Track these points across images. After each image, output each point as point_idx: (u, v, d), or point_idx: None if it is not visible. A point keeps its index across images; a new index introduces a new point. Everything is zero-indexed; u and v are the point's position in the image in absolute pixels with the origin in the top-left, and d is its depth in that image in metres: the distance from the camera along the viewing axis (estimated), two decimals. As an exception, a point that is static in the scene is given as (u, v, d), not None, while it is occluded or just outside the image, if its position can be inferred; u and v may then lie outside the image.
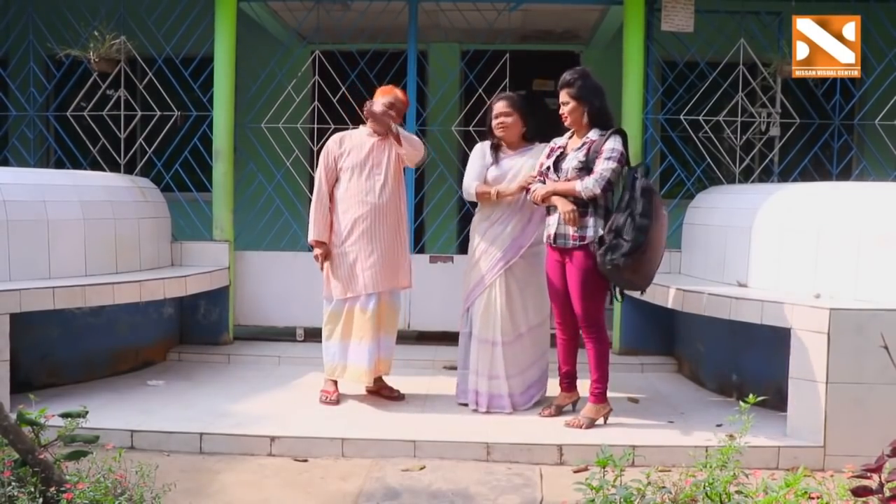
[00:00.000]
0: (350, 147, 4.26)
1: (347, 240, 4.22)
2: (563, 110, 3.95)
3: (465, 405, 4.23)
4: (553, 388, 4.24)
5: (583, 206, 3.84)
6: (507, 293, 4.14)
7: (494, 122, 4.18)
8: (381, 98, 4.25)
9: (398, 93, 4.31)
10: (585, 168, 3.82)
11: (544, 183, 3.98)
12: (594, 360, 3.93)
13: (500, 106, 4.18)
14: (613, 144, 3.81)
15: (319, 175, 4.30)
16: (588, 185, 3.78)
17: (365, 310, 4.22)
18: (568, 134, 4.06)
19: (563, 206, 3.85)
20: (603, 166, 3.78)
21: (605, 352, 3.96)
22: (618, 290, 3.98)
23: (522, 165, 4.15)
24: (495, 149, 4.22)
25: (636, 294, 4.16)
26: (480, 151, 4.26)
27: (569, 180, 3.86)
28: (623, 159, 3.82)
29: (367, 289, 4.20)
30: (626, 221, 3.70)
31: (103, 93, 5.69)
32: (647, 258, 3.75)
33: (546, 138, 4.22)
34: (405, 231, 4.38)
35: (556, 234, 3.93)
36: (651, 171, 5.89)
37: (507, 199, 4.14)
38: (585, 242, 3.83)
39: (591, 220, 3.84)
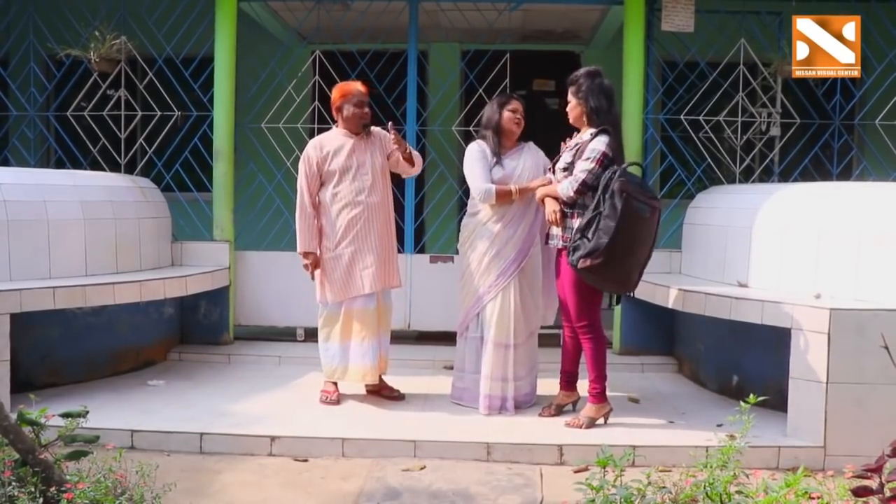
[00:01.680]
0: (331, 150, 4.23)
1: (342, 241, 4.21)
2: (567, 108, 3.99)
3: (460, 406, 4.21)
4: (553, 387, 4.24)
5: (570, 206, 3.86)
6: (521, 294, 4.13)
7: (511, 115, 4.14)
8: (347, 102, 4.22)
9: (357, 86, 4.28)
10: (570, 169, 3.85)
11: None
12: (591, 360, 3.93)
13: (517, 105, 4.18)
14: (595, 145, 3.79)
15: (301, 183, 4.24)
16: (563, 188, 3.81)
17: (367, 309, 4.22)
18: (580, 133, 4.06)
19: (548, 206, 3.90)
20: (579, 168, 3.78)
21: (602, 351, 3.95)
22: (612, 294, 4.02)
23: (525, 164, 4.15)
24: (496, 145, 4.16)
25: (629, 294, 4.15)
26: (481, 152, 4.17)
27: (558, 181, 3.90)
28: (603, 159, 3.75)
29: (367, 289, 4.20)
30: (590, 222, 3.67)
31: (104, 93, 5.69)
32: (616, 261, 3.64)
33: (538, 139, 4.24)
34: (394, 230, 4.38)
35: (548, 234, 3.99)
36: (651, 170, 5.89)
37: (523, 198, 4.11)
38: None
39: (576, 222, 3.83)
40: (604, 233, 3.60)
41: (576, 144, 3.92)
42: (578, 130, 4.02)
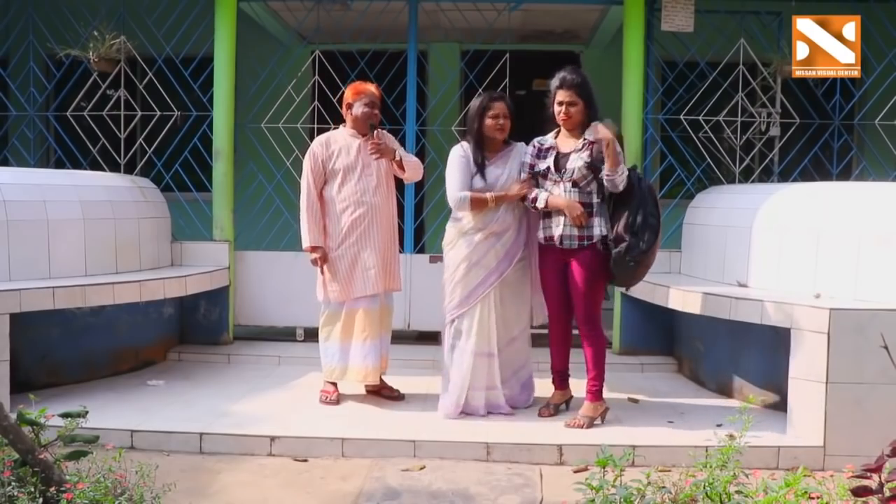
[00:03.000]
0: (337, 149, 4.23)
1: (346, 241, 4.21)
2: (571, 110, 3.90)
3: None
4: (548, 387, 4.24)
5: (588, 207, 3.88)
6: (502, 302, 4.07)
7: (493, 122, 3.99)
8: (359, 100, 4.22)
9: (371, 88, 4.28)
10: (592, 168, 3.85)
11: (538, 184, 3.99)
12: (592, 359, 3.94)
13: (501, 107, 4.01)
14: (618, 149, 3.84)
15: (307, 180, 4.22)
16: (621, 182, 3.79)
17: (370, 310, 4.22)
18: (553, 133, 4.05)
19: (572, 210, 3.85)
20: (618, 167, 3.78)
21: (603, 350, 3.98)
22: (607, 286, 4.10)
23: (510, 172, 4.03)
24: (478, 155, 4.03)
25: (628, 291, 4.21)
26: (464, 157, 4.04)
27: (575, 180, 3.86)
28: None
29: (370, 290, 4.20)
30: (644, 220, 3.80)
31: (103, 93, 5.69)
32: (654, 255, 3.89)
33: (521, 138, 4.17)
34: (396, 233, 4.37)
35: (562, 235, 3.92)
36: (651, 170, 5.89)
37: (503, 205, 4.00)
38: (593, 242, 3.87)
39: (596, 220, 3.88)
40: (653, 231, 3.80)
41: (584, 145, 3.90)
42: (559, 131, 4.03)
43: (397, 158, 4.19)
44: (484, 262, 4.02)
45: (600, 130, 3.77)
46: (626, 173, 3.80)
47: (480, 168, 4.03)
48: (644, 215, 3.80)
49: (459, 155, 4.06)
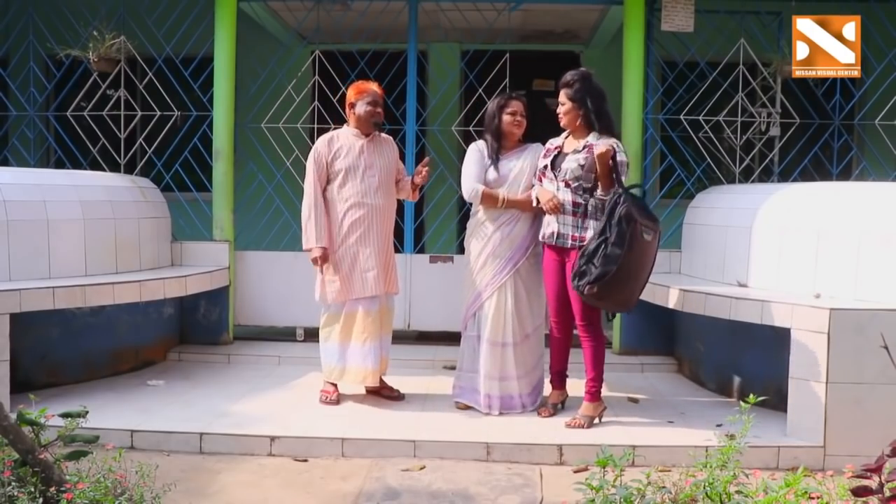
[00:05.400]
0: (340, 148, 4.23)
1: (346, 242, 4.21)
2: (560, 110, 3.99)
3: (465, 406, 4.20)
4: (546, 387, 4.25)
5: (580, 207, 3.88)
6: (516, 294, 4.12)
7: (511, 118, 4.12)
8: (362, 99, 4.23)
9: (373, 87, 4.29)
10: (586, 172, 3.85)
11: (541, 183, 4.03)
12: (591, 359, 3.95)
13: (518, 105, 4.15)
14: (622, 158, 3.84)
15: (312, 178, 4.21)
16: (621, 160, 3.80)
17: (369, 311, 4.22)
18: (564, 134, 4.09)
19: (544, 195, 3.91)
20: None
21: (602, 350, 3.98)
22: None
23: (522, 167, 4.13)
24: (494, 149, 4.17)
25: (628, 312, 4.18)
26: (478, 153, 4.19)
27: (567, 182, 3.88)
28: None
29: (369, 291, 4.20)
30: (597, 248, 3.65)
31: (103, 93, 5.69)
32: (620, 287, 3.67)
33: (538, 139, 4.25)
34: (392, 236, 4.38)
35: (557, 233, 3.94)
36: (651, 170, 5.89)
37: (509, 209, 4.10)
38: (586, 243, 3.85)
39: (591, 223, 3.86)
40: (611, 260, 3.59)
41: (584, 147, 3.90)
42: (566, 133, 4.06)
43: (417, 182, 4.32)
44: (499, 251, 4.11)
45: (599, 146, 3.76)
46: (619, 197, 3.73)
47: (495, 160, 4.14)
48: (604, 245, 3.61)
49: (475, 149, 4.21)
